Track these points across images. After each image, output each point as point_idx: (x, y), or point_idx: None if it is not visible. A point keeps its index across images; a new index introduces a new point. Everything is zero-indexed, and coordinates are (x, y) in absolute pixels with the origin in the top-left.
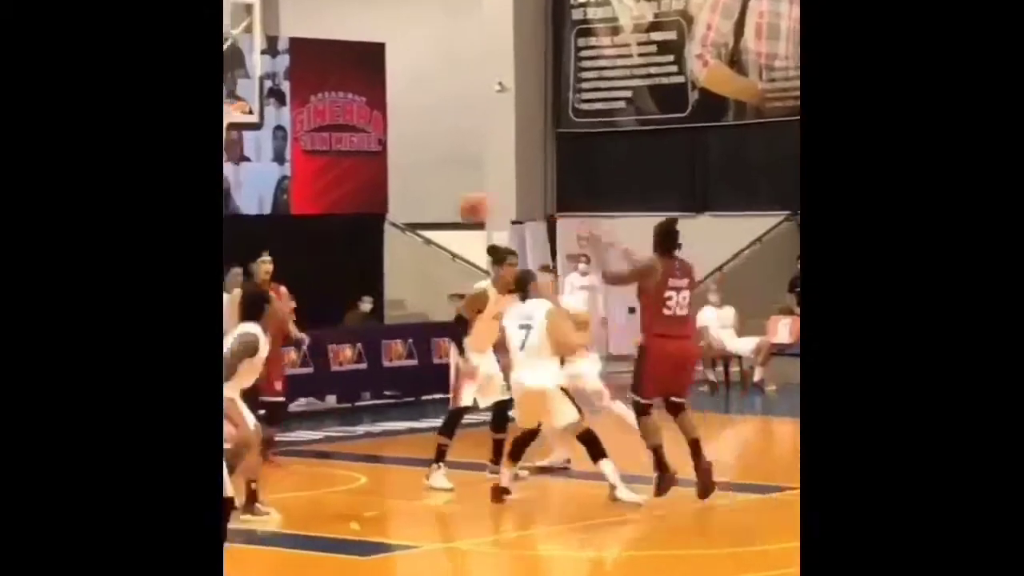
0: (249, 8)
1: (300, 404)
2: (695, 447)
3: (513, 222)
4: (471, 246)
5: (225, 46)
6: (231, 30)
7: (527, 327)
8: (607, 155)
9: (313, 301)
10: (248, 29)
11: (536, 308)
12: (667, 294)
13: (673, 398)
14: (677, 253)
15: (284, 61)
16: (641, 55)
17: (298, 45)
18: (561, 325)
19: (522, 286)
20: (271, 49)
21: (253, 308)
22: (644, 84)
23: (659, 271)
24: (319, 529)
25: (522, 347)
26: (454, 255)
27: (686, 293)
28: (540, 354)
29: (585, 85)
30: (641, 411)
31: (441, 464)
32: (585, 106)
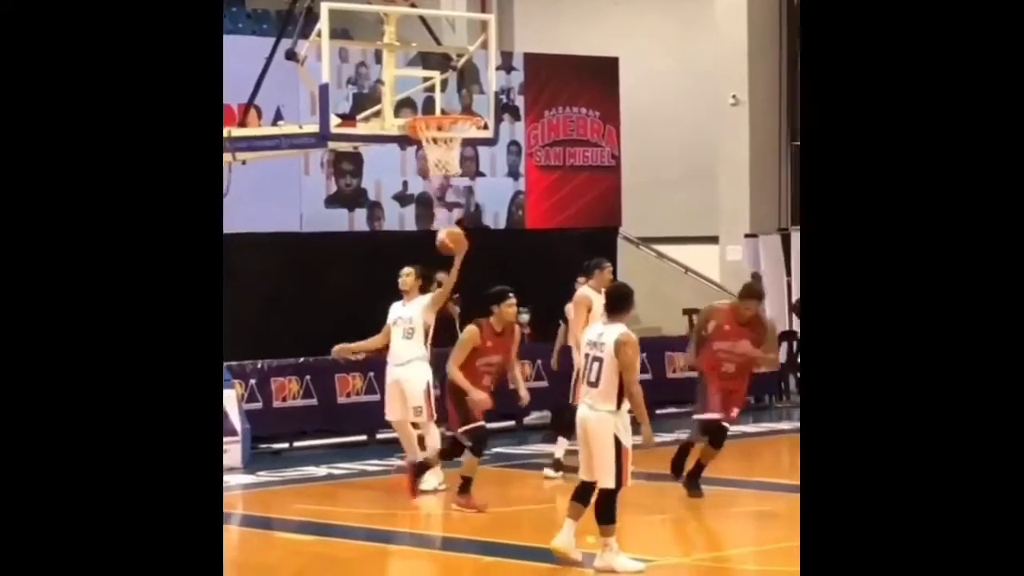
0: (484, 25)
1: (544, 417)
2: None
3: (747, 235)
4: (704, 260)
5: (461, 62)
6: (467, 46)
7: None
8: None
9: (547, 313)
10: (484, 45)
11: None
12: None
13: None
14: None
15: (519, 77)
16: None
17: (532, 61)
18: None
19: None
20: (506, 65)
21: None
22: None
23: None
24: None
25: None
26: (687, 269)
27: None
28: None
29: None
30: None
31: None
32: None
